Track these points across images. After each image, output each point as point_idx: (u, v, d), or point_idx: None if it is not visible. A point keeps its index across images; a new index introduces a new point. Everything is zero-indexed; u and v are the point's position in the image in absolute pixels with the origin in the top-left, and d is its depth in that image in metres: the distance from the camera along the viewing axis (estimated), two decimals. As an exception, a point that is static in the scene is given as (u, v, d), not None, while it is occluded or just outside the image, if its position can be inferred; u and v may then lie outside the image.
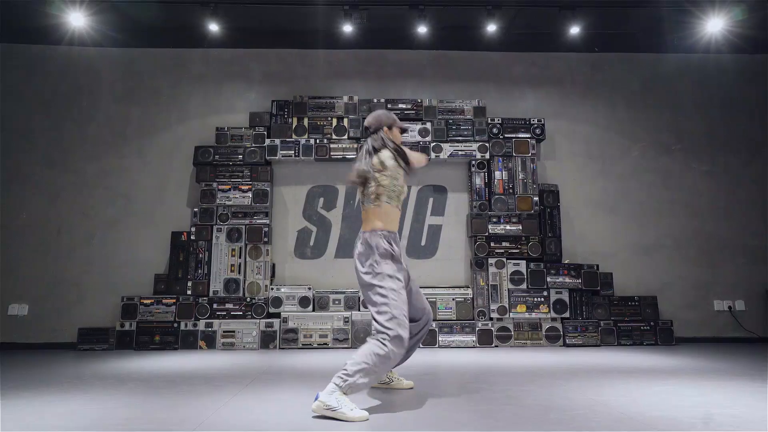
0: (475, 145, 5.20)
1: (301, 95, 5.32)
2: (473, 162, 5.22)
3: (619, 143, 5.56)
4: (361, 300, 4.80)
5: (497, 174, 5.18)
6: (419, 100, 5.33)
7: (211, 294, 4.87)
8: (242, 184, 5.08)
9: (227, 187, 5.07)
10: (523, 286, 4.94)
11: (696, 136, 5.59)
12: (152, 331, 4.69)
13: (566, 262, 5.11)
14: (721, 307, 5.25)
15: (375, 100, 5.29)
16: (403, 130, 2.84)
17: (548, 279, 4.95)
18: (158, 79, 5.50)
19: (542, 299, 4.90)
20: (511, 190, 5.15)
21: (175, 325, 4.72)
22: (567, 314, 4.89)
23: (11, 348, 4.78)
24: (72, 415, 2.28)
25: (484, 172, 5.22)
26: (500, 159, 5.21)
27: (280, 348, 4.70)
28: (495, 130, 5.26)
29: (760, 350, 4.47)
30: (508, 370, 3.45)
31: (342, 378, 2.26)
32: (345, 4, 4.81)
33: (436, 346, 4.71)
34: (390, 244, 2.54)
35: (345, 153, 5.13)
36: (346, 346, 4.68)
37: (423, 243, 5.31)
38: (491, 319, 4.87)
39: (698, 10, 4.81)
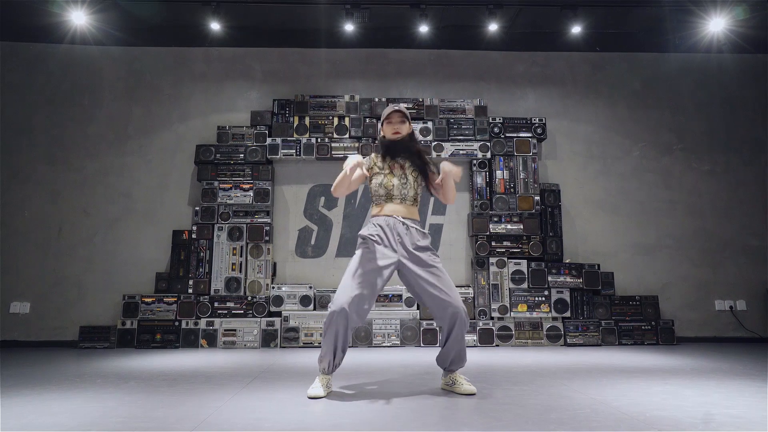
0: (476, 145, 5.20)
1: (303, 94, 5.32)
2: (474, 161, 5.22)
3: (620, 143, 5.56)
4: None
5: (498, 173, 5.18)
6: (420, 99, 5.33)
7: (212, 292, 4.87)
8: (243, 183, 5.09)
9: (228, 185, 5.07)
10: (524, 285, 4.94)
11: (697, 136, 5.58)
12: (153, 330, 4.70)
13: (567, 261, 5.11)
14: (723, 307, 5.25)
15: (376, 99, 5.29)
16: (389, 120, 2.78)
17: (549, 278, 4.95)
18: (160, 77, 5.51)
19: (543, 299, 4.90)
20: (512, 190, 5.15)
21: (177, 323, 4.73)
22: (568, 314, 4.89)
23: (13, 346, 4.79)
24: (73, 413, 2.28)
25: (486, 172, 5.22)
26: (501, 158, 5.21)
27: (281, 347, 4.70)
28: (496, 130, 5.26)
29: (761, 350, 4.46)
30: (509, 370, 3.45)
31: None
32: (346, 4, 4.81)
33: (437, 345, 4.71)
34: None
35: (346, 152, 5.13)
36: (346, 345, 4.68)
37: (424, 242, 5.30)
38: (492, 318, 4.88)
39: (700, 10, 4.81)
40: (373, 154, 2.85)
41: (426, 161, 2.82)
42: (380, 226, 2.67)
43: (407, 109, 3.55)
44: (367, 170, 2.80)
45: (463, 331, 2.65)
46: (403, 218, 2.69)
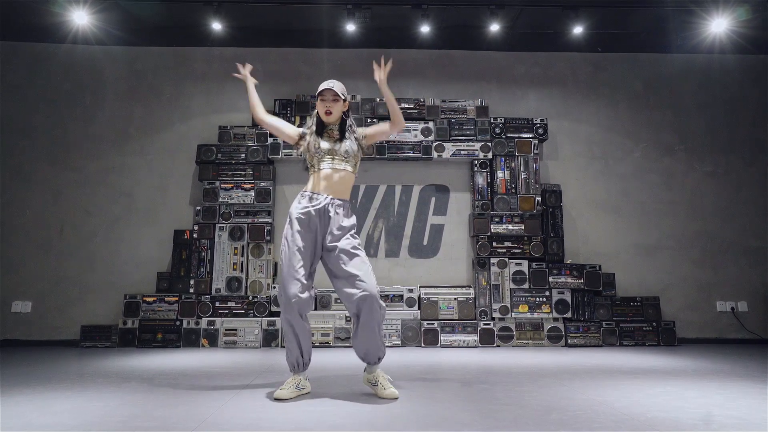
0: (477, 145, 5.19)
1: (304, 94, 5.32)
2: (476, 161, 5.21)
3: (622, 143, 5.55)
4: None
5: (500, 174, 5.18)
6: (422, 100, 5.33)
7: (213, 292, 4.87)
8: (245, 183, 5.09)
9: (230, 185, 5.08)
10: (525, 286, 4.93)
11: (699, 137, 5.58)
12: (155, 329, 4.70)
13: (568, 262, 5.11)
14: (724, 308, 5.24)
15: (377, 100, 5.28)
16: (322, 97, 2.77)
17: (550, 279, 4.94)
18: (161, 77, 5.51)
19: (544, 299, 4.90)
20: (513, 190, 5.15)
21: (178, 323, 4.73)
22: (569, 314, 4.89)
23: (14, 345, 4.79)
24: (74, 413, 2.28)
25: (487, 172, 5.22)
26: (503, 159, 5.20)
27: (282, 346, 4.70)
28: (497, 130, 5.25)
29: (762, 351, 4.46)
30: (510, 370, 3.45)
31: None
32: (348, 4, 4.81)
33: (438, 345, 4.71)
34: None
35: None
36: (348, 344, 4.68)
37: (425, 242, 5.31)
38: (493, 318, 4.87)
39: (702, 10, 4.80)
40: (309, 122, 2.89)
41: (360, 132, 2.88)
42: (308, 208, 2.64)
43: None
44: (300, 137, 2.85)
45: (375, 319, 2.53)
46: (332, 198, 2.68)
